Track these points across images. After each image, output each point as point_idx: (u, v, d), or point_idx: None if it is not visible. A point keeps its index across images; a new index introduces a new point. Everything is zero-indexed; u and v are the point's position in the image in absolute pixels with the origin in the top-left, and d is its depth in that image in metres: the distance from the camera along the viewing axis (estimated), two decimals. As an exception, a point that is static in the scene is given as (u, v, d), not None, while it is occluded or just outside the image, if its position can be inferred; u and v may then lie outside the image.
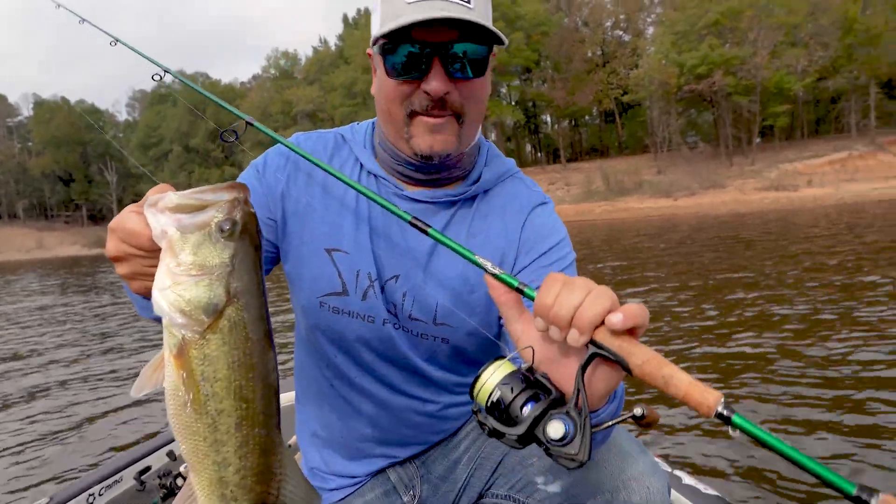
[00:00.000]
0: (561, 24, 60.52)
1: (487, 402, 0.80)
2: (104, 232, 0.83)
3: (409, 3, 1.04)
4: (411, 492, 1.40)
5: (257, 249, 0.80)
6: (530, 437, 0.77)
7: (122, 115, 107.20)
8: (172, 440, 2.35)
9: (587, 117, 69.10)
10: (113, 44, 1.62)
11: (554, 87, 61.30)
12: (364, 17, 71.09)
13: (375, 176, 1.26)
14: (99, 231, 73.89)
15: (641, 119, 60.22)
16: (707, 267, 11.98)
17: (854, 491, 0.59)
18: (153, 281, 0.78)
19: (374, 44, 1.14)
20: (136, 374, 0.75)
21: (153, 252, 0.77)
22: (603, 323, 0.73)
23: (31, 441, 5.01)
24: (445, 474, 1.41)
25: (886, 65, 47.75)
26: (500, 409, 0.79)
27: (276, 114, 69.59)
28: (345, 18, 74.83)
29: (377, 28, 1.10)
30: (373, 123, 1.34)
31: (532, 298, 0.80)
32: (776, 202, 34.83)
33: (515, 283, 0.85)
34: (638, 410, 0.77)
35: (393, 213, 1.00)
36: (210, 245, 0.75)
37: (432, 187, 1.26)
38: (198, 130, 76.48)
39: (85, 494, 2.02)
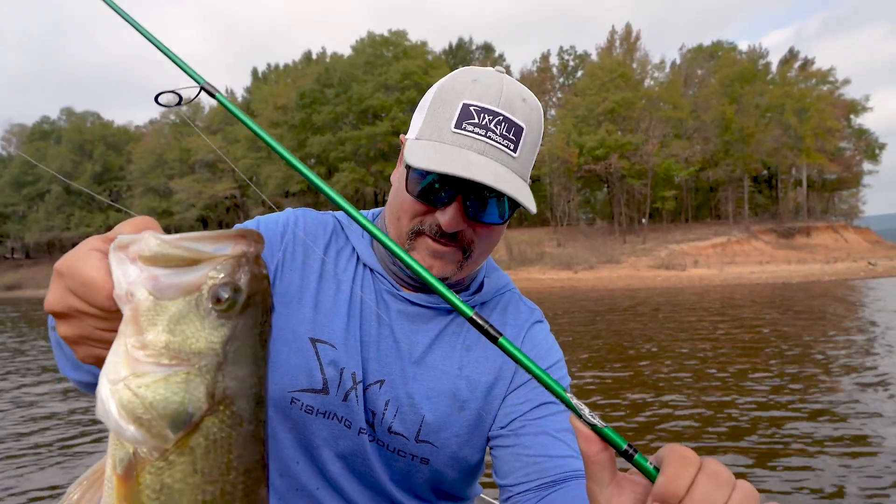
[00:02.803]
0: (470, 99, 63.06)
1: None
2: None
3: (454, 132, 0.98)
4: None
5: (264, 332, 0.57)
6: None
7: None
8: None
9: (490, 188, 71.35)
10: None
11: (461, 157, 62.84)
12: (274, 72, 70.54)
13: (371, 270, 1.15)
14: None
15: (542, 193, 63.00)
16: (617, 336, 12.20)
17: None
18: (107, 348, 0.57)
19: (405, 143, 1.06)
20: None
21: (113, 314, 0.56)
22: None
23: None
24: None
25: (755, 161, 53.50)
26: None
27: (172, 160, 66.20)
28: (254, 72, 73.87)
29: (414, 132, 1.05)
30: (373, 215, 1.23)
31: (649, 475, 0.62)
32: (667, 280, 36.88)
33: (623, 445, 0.64)
34: None
35: (452, 303, 0.73)
36: (197, 320, 0.52)
37: (430, 292, 1.15)
38: (82, 172, 70.94)
39: None
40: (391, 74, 56.66)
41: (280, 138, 58.48)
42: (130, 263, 0.52)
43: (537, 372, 0.69)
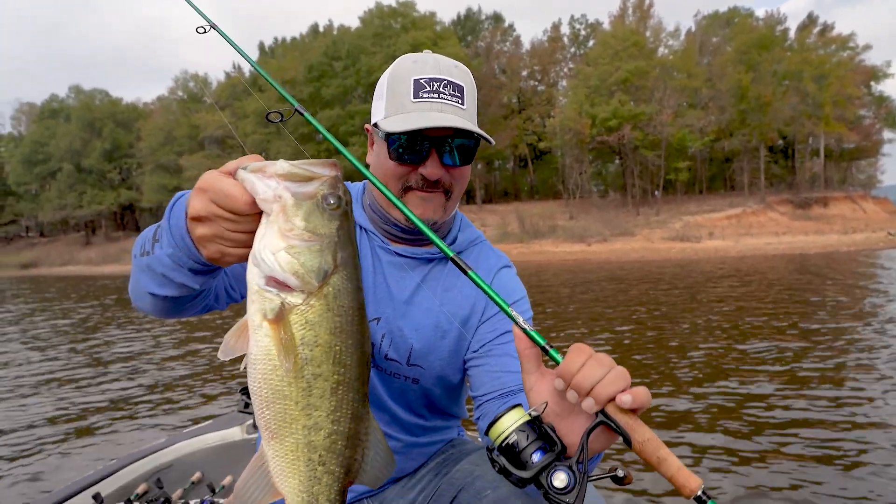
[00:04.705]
0: (480, 70, 61.97)
1: (502, 443, 0.89)
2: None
3: (414, 102, 1.26)
4: None
5: (353, 226, 0.85)
6: (534, 481, 0.87)
7: (6, 128, 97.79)
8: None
9: (499, 161, 70.54)
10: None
11: (471, 130, 61.93)
12: (281, 46, 69.67)
13: (365, 230, 1.43)
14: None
15: (553, 165, 62.22)
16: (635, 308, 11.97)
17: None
18: (232, 246, 0.84)
19: (374, 125, 1.34)
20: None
21: (244, 217, 0.81)
22: (614, 399, 0.83)
23: None
24: None
25: (771, 130, 52.35)
26: (512, 453, 0.89)
27: (181, 137, 65.95)
28: (261, 46, 72.97)
29: (380, 115, 1.32)
30: (363, 185, 1.50)
31: (556, 361, 0.90)
32: (682, 252, 36.40)
33: (542, 343, 0.92)
34: (620, 472, 0.87)
35: (439, 247, 1.03)
36: (319, 215, 0.78)
37: (413, 245, 1.42)
38: (92, 150, 70.86)
39: None
40: (400, 46, 55.70)
41: (286, 113, 57.97)
42: (269, 179, 0.77)
43: (488, 291, 0.97)
